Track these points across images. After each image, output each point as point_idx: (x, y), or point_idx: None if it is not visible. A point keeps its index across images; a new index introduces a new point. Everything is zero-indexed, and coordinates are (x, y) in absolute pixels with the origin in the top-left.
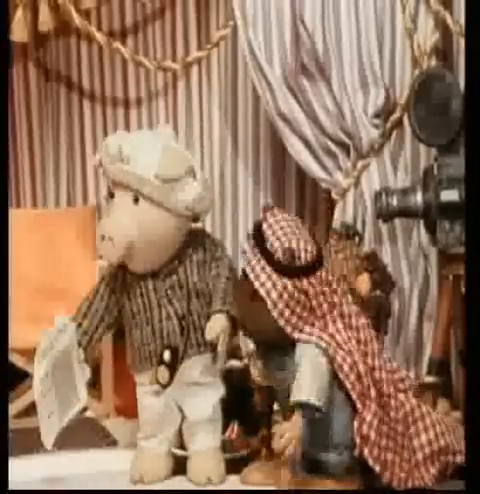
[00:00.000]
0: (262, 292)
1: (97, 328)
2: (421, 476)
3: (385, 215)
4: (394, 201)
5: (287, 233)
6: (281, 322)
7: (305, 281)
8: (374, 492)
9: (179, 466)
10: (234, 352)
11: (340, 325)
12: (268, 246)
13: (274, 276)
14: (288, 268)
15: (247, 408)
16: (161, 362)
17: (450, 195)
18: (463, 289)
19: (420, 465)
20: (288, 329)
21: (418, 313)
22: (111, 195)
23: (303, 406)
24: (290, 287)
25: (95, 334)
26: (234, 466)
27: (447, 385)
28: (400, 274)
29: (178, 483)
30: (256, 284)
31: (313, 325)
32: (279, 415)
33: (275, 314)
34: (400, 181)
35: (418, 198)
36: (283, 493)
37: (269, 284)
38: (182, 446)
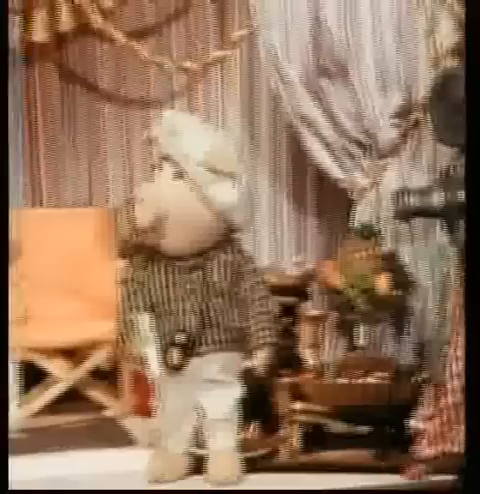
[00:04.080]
0: None
1: None
2: None
3: (404, 215)
4: (413, 201)
5: None
6: None
7: None
8: (377, 493)
9: (197, 466)
10: None
11: None
12: None
13: None
14: None
15: (266, 408)
16: (172, 344)
17: None
18: None
19: None
20: None
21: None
22: (159, 168)
23: None
24: None
25: None
26: (253, 465)
27: None
28: (419, 274)
29: (195, 483)
30: None
31: None
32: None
33: None
34: (419, 181)
35: (437, 198)
36: None
37: None
38: (199, 445)
